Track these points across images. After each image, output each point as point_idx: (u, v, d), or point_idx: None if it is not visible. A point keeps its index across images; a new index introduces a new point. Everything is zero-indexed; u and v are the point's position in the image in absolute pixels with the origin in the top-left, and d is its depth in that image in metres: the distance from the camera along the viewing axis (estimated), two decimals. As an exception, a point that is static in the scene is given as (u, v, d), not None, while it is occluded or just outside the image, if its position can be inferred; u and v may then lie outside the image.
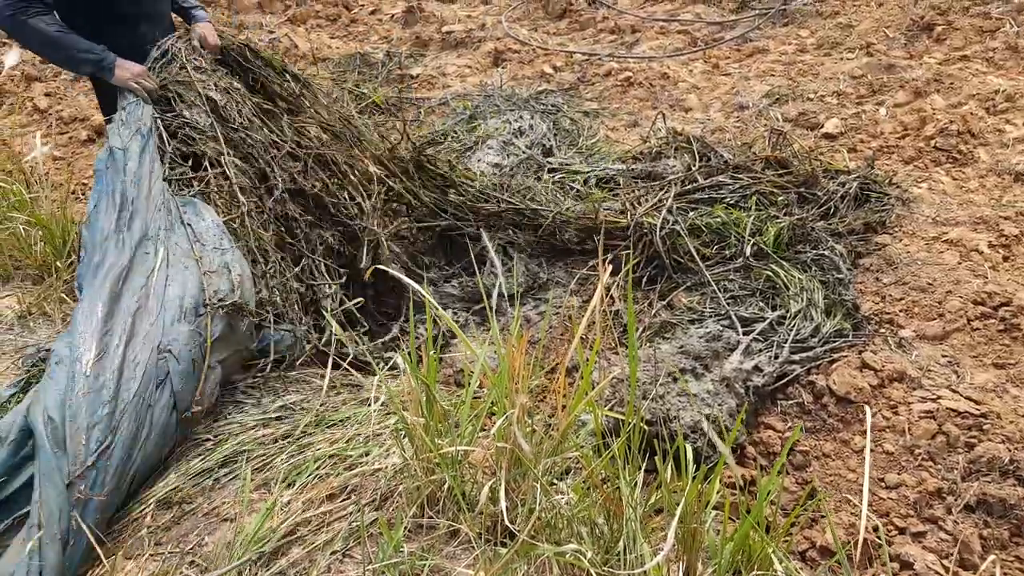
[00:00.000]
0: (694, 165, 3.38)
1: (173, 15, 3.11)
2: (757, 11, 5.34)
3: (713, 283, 2.79)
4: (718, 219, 3.02)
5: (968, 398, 2.34)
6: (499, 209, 3.15)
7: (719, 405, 2.36)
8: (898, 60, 4.35)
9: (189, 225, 2.20)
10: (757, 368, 2.47)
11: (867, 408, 1.54)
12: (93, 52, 2.49)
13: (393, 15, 6.30)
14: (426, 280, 3.15)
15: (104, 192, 2.09)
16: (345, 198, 2.90)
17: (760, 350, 2.54)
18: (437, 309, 1.56)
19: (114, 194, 2.06)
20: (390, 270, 1.74)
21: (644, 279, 3.01)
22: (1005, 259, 2.93)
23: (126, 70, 2.54)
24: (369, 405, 1.81)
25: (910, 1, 4.86)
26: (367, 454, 1.57)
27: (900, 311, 2.76)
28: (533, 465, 1.37)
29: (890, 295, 2.84)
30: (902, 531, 2.02)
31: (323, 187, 2.82)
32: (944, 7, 4.68)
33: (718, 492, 2.05)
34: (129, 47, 2.67)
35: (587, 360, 1.55)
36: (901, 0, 4.97)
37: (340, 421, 1.73)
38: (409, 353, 1.53)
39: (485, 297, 1.77)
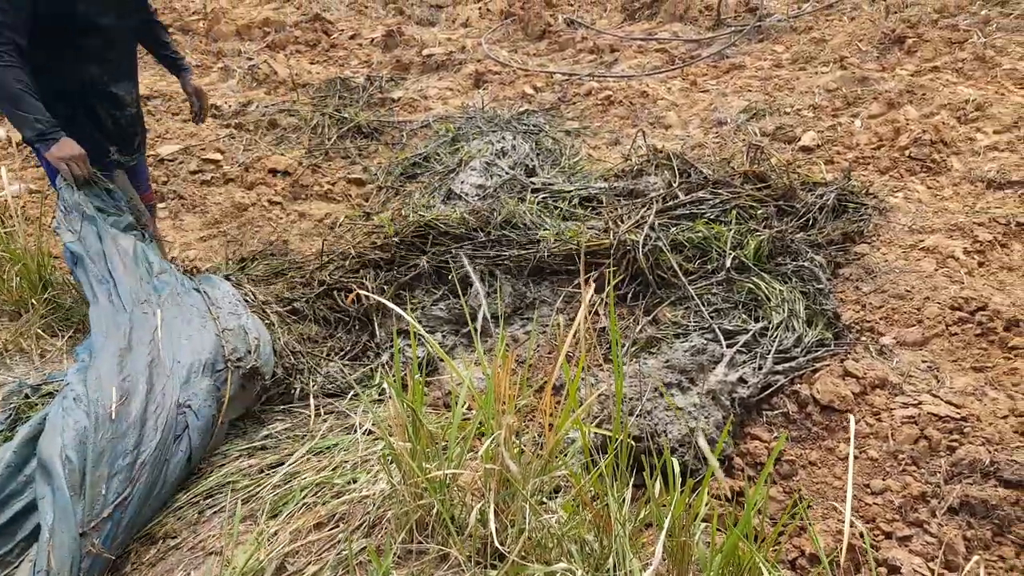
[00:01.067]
0: (675, 181, 3.43)
1: (150, 60, 3.08)
2: (733, 28, 5.44)
3: (696, 297, 2.83)
4: (699, 234, 3.07)
5: (949, 402, 2.38)
6: (486, 240, 3.22)
7: (705, 418, 2.38)
8: (871, 73, 4.45)
9: (205, 292, 2.29)
10: (742, 380, 2.50)
11: (851, 417, 1.56)
12: (41, 122, 2.46)
13: (373, 39, 6.36)
14: (410, 306, 3.17)
15: (86, 283, 2.13)
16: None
17: (744, 362, 2.57)
18: (422, 334, 1.58)
19: (94, 281, 2.10)
20: (375, 296, 1.76)
21: (629, 295, 3.04)
22: (980, 264, 2.99)
23: (61, 149, 2.49)
24: (355, 432, 1.81)
25: (881, 15, 4.98)
26: (354, 481, 1.58)
27: (880, 319, 2.81)
28: (521, 486, 1.39)
29: (870, 303, 2.89)
30: (888, 535, 2.04)
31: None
32: (914, 20, 4.79)
33: (706, 504, 2.07)
34: (89, 82, 2.67)
35: (573, 378, 1.57)
36: (873, 14, 5.08)
37: (327, 448, 1.74)
38: (395, 378, 1.54)
39: (469, 320, 1.79)
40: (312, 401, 2.43)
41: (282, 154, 4.69)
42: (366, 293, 1.66)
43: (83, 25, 2.58)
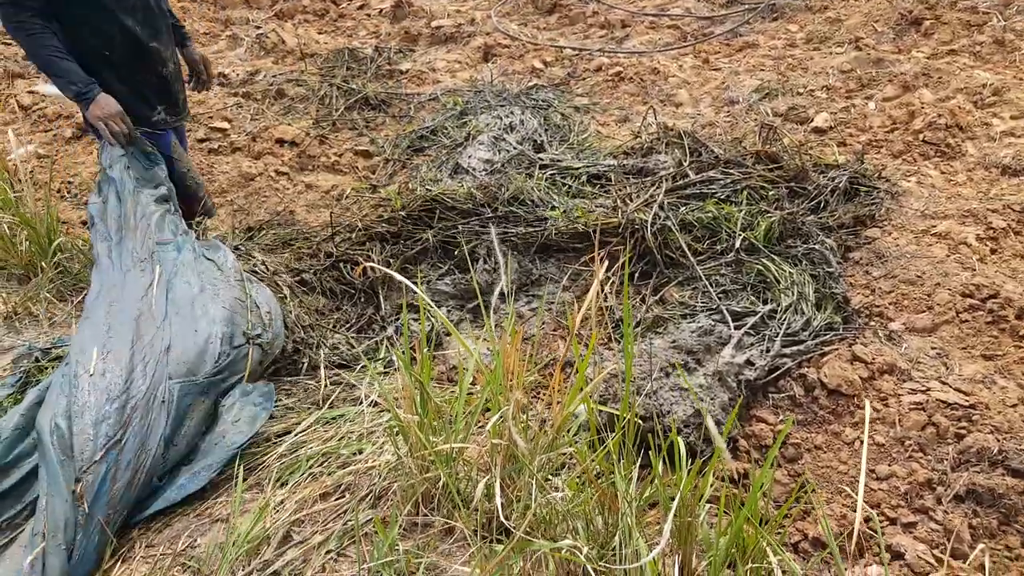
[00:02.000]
0: (685, 160, 3.39)
1: None
2: (747, 6, 5.35)
3: (704, 278, 2.80)
4: (709, 214, 3.03)
5: (958, 389, 2.36)
6: (493, 216, 3.19)
7: (712, 399, 2.37)
8: (886, 54, 4.37)
9: (212, 260, 2.28)
10: (749, 362, 2.48)
11: (866, 400, 1.54)
12: (75, 83, 2.50)
13: (381, 10, 6.27)
14: (418, 279, 3.15)
15: (94, 243, 2.13)
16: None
17: (752, 344, 2.55)
18: (431, 306, 1.56)
19: (99, 240, 2.09)
20: (383, 269, 1.73)
21: (637, 274, 3.02)
22: (993, 252, 2.95)
23: (100, 107, 2.52)
24: (361, 403, 1.80)
25: (898, -5, 4.88)
26: (360, 452, 1.57)
27: (890, 304, 2.78)
28: (528, 462, 1.38)
29: (880, 288, 2.86)
30: (893, 522, 2.04)
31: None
32: (932, 2, 4.70)
33: (711, 486, 2.06)
34: (130, 38, 2.66)
35: (582, 356, 1.56)
36: (889, -6, 4.99)
37: (333, 419, 1.73)
38: (403, 351, 1.53)
39: (479, 294, 1.76)
40: (322, 372, 2.42)
41: (289, 124, 4.64)
42: (373, 265, 1.63)
43: None
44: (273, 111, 4.90)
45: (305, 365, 2.58)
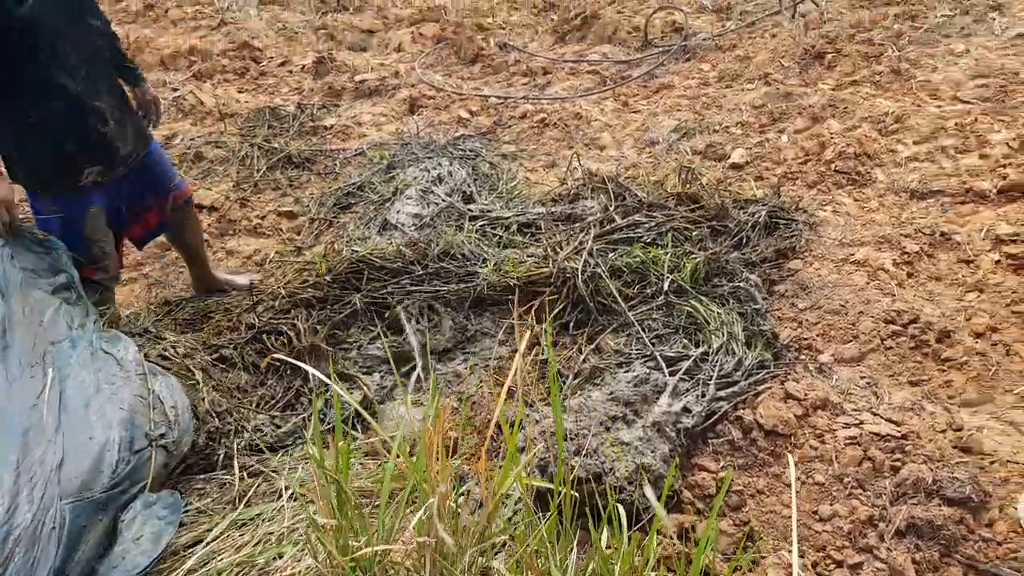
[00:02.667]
0: (611, 205, 3.42)
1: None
2: (660, 48, 5.51)
3: (637, 324, 2.80)
4: (637, 259, 3.05)
5: (889, 420, 2.40)
6: (423, 274, 3.14)
7: (652, 452, 2.34)
8: (794, 88, 4.55)
9: (113, 355, 2.15)
10: (686, 409, 2.47)
11: (790, 458, 1.53)
12: None
13: (303, 66, 6.22)
14: (333, 357, 3.05)
15: None
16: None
17: (687, 390, 2.55)
18: (341, 391, 1.48)
19: None
20: (290, 360, 1.65)
21: (572, 323, 2.99)
22: (909, 275, 3.05)
23: None
24: (281, 497, 1.70)
25: (801, 31, 5.12)
26: (280, 556, 1.46)
27: (817, 335, 2.83)
28: (458, 559, 1.30)
29: (806, 320, 2.91)
30: (839, 564, 2.03)
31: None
32: (832, 36, 4.94)
33: (658, 544, 2.01)
34: (63, 96, 2.47)
35: (518, 420, 1.50)
36: (793, 31, 5.22)
37: (250, 520, 1.62)
38: (331, 437, 1.44)
39: (394, 365, 1.69)
40: (236, 467, 2.29)
41: (208, 188, 4.50)
42: (281, 358, 1.54)
43: (28, 27, 2.34)
44: (191, 175, 4.76)
45: (221, 457, 2.43)
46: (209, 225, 4.12)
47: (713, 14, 5.97)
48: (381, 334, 3.14)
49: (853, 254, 3.18)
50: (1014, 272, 2.94)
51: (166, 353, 2.93)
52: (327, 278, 3.19)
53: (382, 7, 7.48)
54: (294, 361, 1.43)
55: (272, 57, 6.49)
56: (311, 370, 1.37)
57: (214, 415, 2.71)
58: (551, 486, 1.68)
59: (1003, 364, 2.56)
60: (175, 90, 6.00)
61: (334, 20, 7.12)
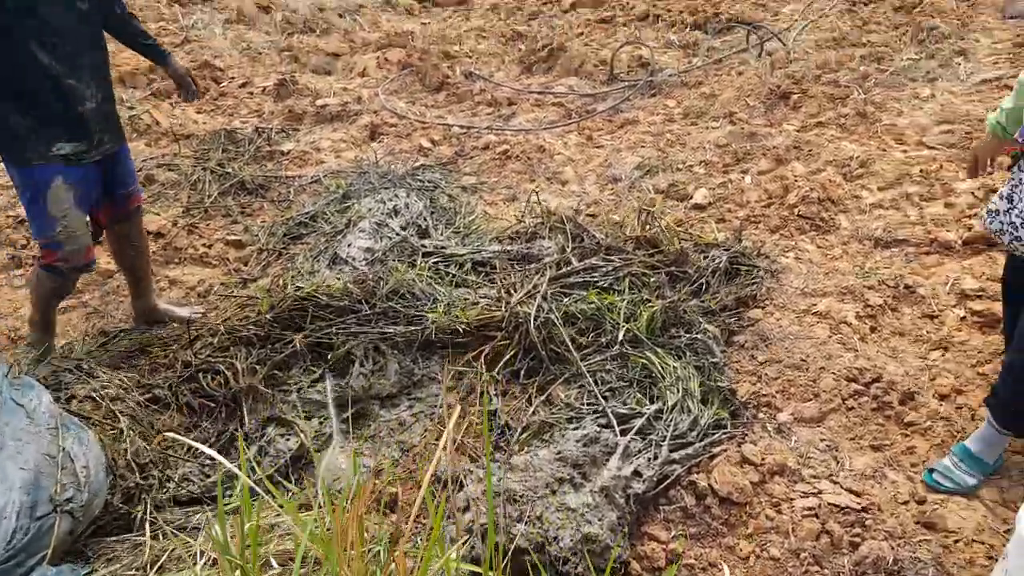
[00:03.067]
0: (568, 246, 3.29)
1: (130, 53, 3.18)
2: (626, 83, 5.45)
3: (589, 375, 2.65)
4: (592, 305, 2.91)
5: (849, 490, 2.27)
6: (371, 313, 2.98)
7: (599, 520, 2.18)
8: (759, 128, 4.49)
9: (23, 407, 1.96)
10: (637, 473, 2.32)
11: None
12: None
13: (265, 88, 6.05)
14: (271, 400, 2.86)
15: None
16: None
17: (639, 451, 2.40)
18: (250, 484, 1.31)
19: None
20: (202, 447, 1.47)
21: (523, 372, 2.83)
22: (872, 330, 2.95)
23: None
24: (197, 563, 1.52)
25: (767, 71, 5.09)
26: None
27: (776, 392, 2.71)
28: None
29: (766, 375, 2.79)
30: (793, 652, 1.88)
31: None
32: (798, 76, 4.91)
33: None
34: (39, 71, 2.60)
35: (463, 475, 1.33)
36: (759, 70, 5.19)
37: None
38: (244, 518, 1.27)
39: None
40: (148, 529, 2.08)
41: (157, 213, 4.29)
42: (190, 442, 1.37)
43: (16, 7, 2.51)
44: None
45: (140, 514, 2.24)
46: (154, 253, 3.91)
47: (680, 50, 5.94)
48: (323, 376, 2.95)
49: (815, 305, 3.08)
50: (979, 330, 2.85)
51: (94, 395, 2.73)
52: (268, 317, 3.01)
53: (349, 31, 7.35)
54: (203, 448, 1.25)
55: (234, 78, 6.31)
56: (216, 456, 1.19)
57: (135, 468, 2.50)
58: (479, 571, 1.51)
59: (968, 430, 2.45)
60: (131, 108, 5.79)
61: (299, 42, 6.97)
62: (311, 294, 3.16)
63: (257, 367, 3.00)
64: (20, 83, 2.59)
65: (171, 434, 1.63)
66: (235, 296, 3.51)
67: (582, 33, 6.57)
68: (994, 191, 3.48)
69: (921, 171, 3.84)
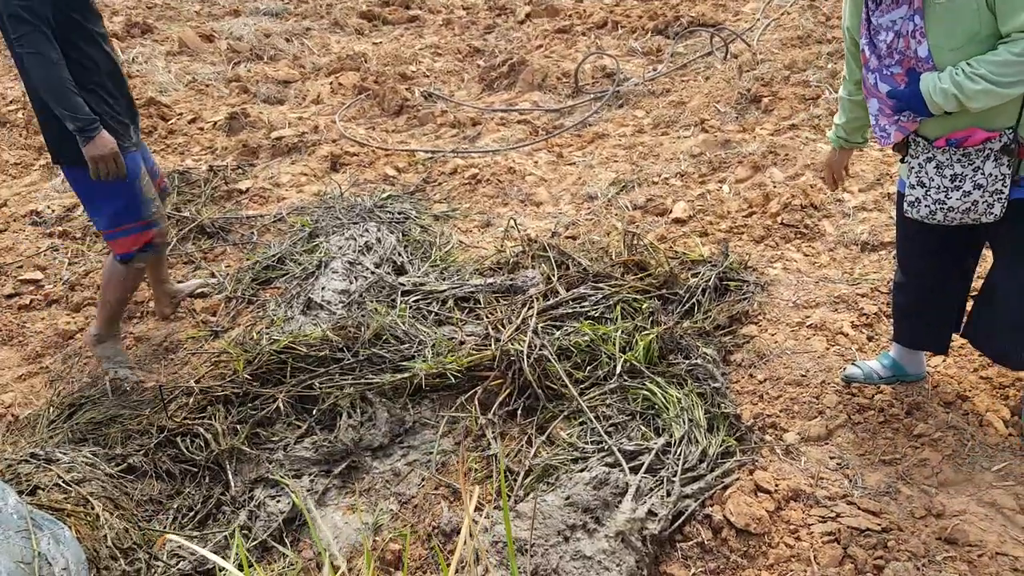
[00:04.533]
0: (553, 276, 3.20)
1: None
2: (592, 95, 5.39)
3: (589, 411, 2.56)
4: (586, 337, 2.82)
5: (866, 510, 2.21)
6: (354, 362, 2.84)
7: (617, 567, 2.09)
8: (732, 134, 4.47)
9: None
10: (651, 512, 2.24)
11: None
12: (81, 119, 2.72)
13: (215, 123, 5.83)
14: (257, 460, 2.71)
15: None
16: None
17: (651, 488, 2.31)
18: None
19: None
20: (186, 543, 1.33)
21: (519, 411, 2.73)
22: (870, 339, 2.92)
23: (98, 146, 2.75)
24: None
25: (735, 74, 5.07)
26: None
27: (780, 411, 2.65)
28: None
29: (767, 393, 2.73)
30: None
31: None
32: (767, 78, 4.90)
33: None
34: (104, 64, 2.89)
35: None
36: (726, 73, 5.18)
37: None
38: None
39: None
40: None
41: (113, 266, 4.07)
42: (172, 537, 1.23)
43: (81, 6, 2.80)
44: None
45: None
46: (114, 309, 3.70)
47: (643, 57, 5.91)
48: (309, 430, 2.81)
49: (809, 317, 3.04)
50: (974, 330, 2.84)
51: (60, 482, 2.54)
52: (245, 375, 2.85)
53: (298, 55, 7.16)
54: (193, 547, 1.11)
55: (182, 113, 6.08)
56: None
57: (119, 554, 2.34)
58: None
59: (978, 437, 2.43)
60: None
61: (248, 71, 6.76)
62: (289, 345, 3.01)
63: (238, 427, 2.85)
64: (99, 76, 2.86)
65: (174, 537, 1.47)
66: (206, 351, 3.34)
67: (541, 45, 6.50)
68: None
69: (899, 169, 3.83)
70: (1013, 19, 1.87)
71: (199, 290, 3.80)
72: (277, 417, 2.90)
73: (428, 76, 6.22)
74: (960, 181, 2.10)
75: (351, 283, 3.54)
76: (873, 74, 2.15)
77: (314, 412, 2.85)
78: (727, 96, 4.83)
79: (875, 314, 2.97)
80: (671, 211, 3.88)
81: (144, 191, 3.06)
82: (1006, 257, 2.29)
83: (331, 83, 6.23)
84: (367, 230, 4.02)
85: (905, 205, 2.26)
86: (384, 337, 3.04)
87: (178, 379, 3.18)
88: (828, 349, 2.86)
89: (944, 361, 2.71)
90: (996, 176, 2.06)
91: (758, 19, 6.00)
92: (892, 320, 2.67)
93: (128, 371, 3.27)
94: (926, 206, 2.19)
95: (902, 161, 2.30)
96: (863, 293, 3.08)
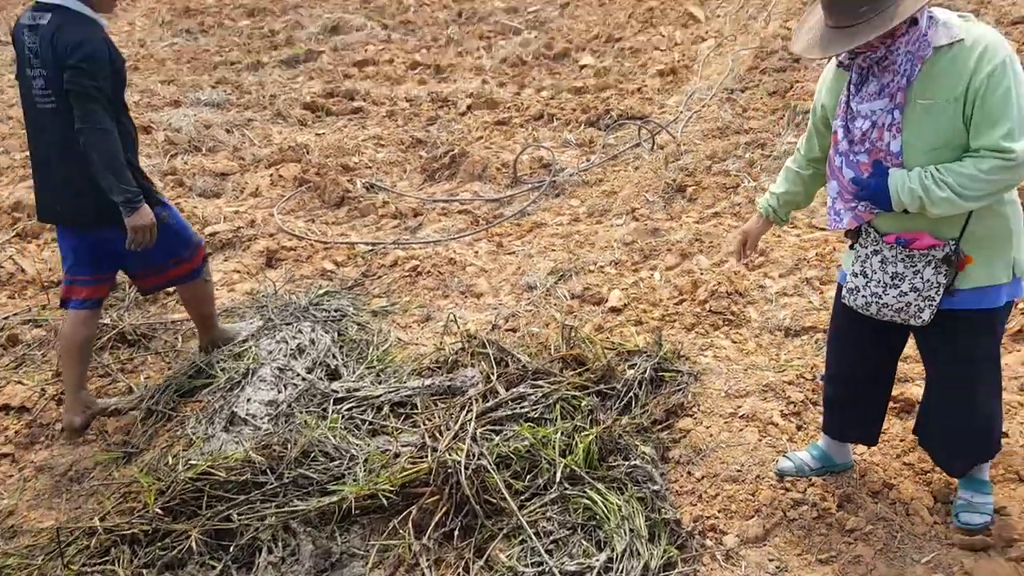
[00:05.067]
0: (493, 374, 3.17)
1: None
2: (530, 185, 5.53)
3: (529, 530, 2.49)
4: (525, 442, 2.78)
5: (808, 619, 2.20)
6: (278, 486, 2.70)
7: None
8: (661, 223, 4.61)
9: None
10: (594, 638, 2.16)
11: None
12: (129, 190, 2.97)
13: (150, 219, 5.71)
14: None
15: None
16: None
17: (594, 610, 2.25)
18: None
19: None
20: None
21: (456, 532, 2.63)
22: (799, 428, 2.97)
23: (142, 217, 3.01)
24: None
25: (661, 165, 5.29)
26: None
27: (719, 511, 2.65)
28: None
29: (705, 493, 2.73)
30: None
31: None
32: (691, 168, 5.12)
33: None
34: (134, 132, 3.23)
35: None
36: (653, 164, 5.40)
37: None
38: None
39: None
40: None
41: (20, 382, 3.82)
42: None
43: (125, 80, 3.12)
44: (1, 364, 4.05)
45: None
46: (15, 433, 3.46)
47: (577, 148, 6.12)
48: (225, 571, 2.59)
49: (740, 407, 3.08)
50: (896, 417, 2.92)
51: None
52: (157, 511, 2.67)
53: (238, 147, 7.15)
54: None
55: (115, 209, 5.95)
56: None
57: None
58: None
59: (906, 528, 2.46)
60: (-10, 254, 5.30)
61: (184, 163, 6.70)
62: (207, 470, 2.83)
63: (144, 571, 2.60)
64: (132, 145, 3.15)
65: None
66: (115, 480, 3.10)
67: (481, 136, 6.67)
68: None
69: (816, 254, 4.01)
70: (986, 136, 1.91)
71: (113, 407, 3.58)
72: (189, 557, 2.66)
73: (371, 167, 6.28)
74: (899, 280, 2.15)
75: (280, 392, 3.42)
76: (841, 157, 2.16)
77: (231, 549, 2.65)
78: (655, 185, 5.01)
79: (802, 402, 3.04)
80: (607, 300, 3.94)
81: (181, 220, 3.46)
82: (933, 371, 2.37)
83: (271, 175, 6.23)
84: (301, 332, 3.93)
85: (844, 292, 2.31)
86: (312, 454, 2.91)
87: (81, 515, 2.93)
88: (760, 440, 2.89)
89: (869, 448, 2.77)
90: (932, 283, 2.11)
91: (681, 111, 6.31)
92: (822, 412, 2.72)
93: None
94: (863, 296, 2.23)
95: (851, 247, 2.33)
96: (789, 380, 3.16)
